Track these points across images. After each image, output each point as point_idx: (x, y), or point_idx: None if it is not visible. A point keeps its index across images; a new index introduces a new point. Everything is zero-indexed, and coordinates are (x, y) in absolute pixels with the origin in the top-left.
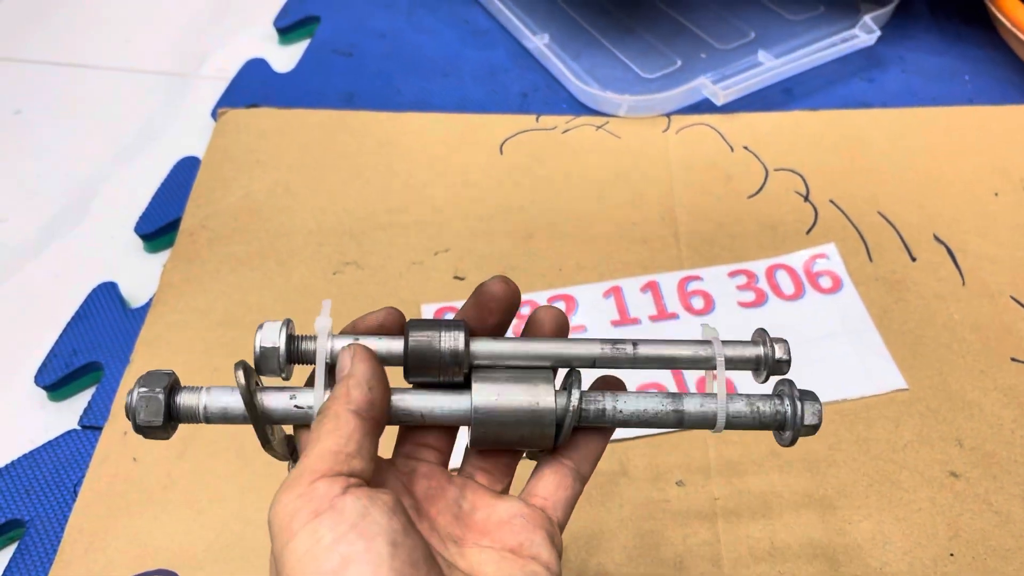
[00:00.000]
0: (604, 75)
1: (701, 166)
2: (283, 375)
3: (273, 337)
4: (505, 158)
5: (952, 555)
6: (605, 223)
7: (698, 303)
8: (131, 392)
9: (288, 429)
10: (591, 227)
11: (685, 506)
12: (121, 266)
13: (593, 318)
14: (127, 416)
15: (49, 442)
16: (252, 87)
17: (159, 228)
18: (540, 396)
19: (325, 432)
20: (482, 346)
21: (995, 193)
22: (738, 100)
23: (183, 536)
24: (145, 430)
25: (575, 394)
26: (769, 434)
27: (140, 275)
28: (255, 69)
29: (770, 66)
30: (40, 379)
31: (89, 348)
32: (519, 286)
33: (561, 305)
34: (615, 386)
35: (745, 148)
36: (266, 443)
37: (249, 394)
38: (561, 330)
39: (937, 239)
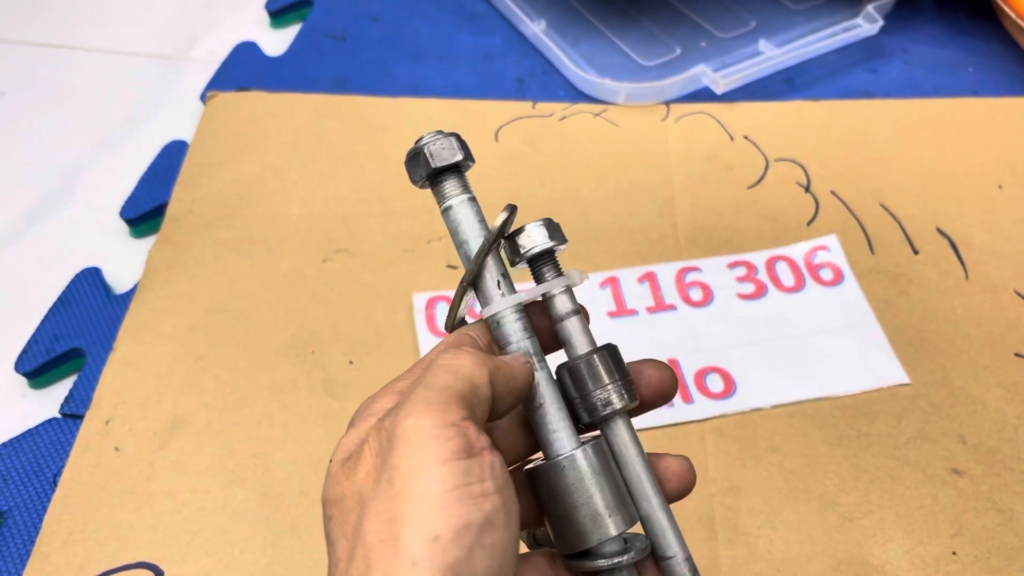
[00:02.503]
0: (602, 62)
1: (700, 155)
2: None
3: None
4: (500, 145)
5: (954, 553)
6: (602, 213)
7: (696, 295)
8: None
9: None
10: (588, 216)
11: (682, 502)
12: (106, 251)
13: (589, 309)
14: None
15: (29, 431)
16: (242, 71)
17: (145, 212)
18: None
19: (469, 365)
20: None
21: (999, 186)
22: (738, 89)
23: (165, 528)
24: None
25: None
26: (768, 428)
27: (125, 260)
28: (246, 53)
29: (771, 55)
30: (20, 366)
31: (71, 334)
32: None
33: None
34: None
35: (745, 138)
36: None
37: (499, 234)
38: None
39: (940, 232)
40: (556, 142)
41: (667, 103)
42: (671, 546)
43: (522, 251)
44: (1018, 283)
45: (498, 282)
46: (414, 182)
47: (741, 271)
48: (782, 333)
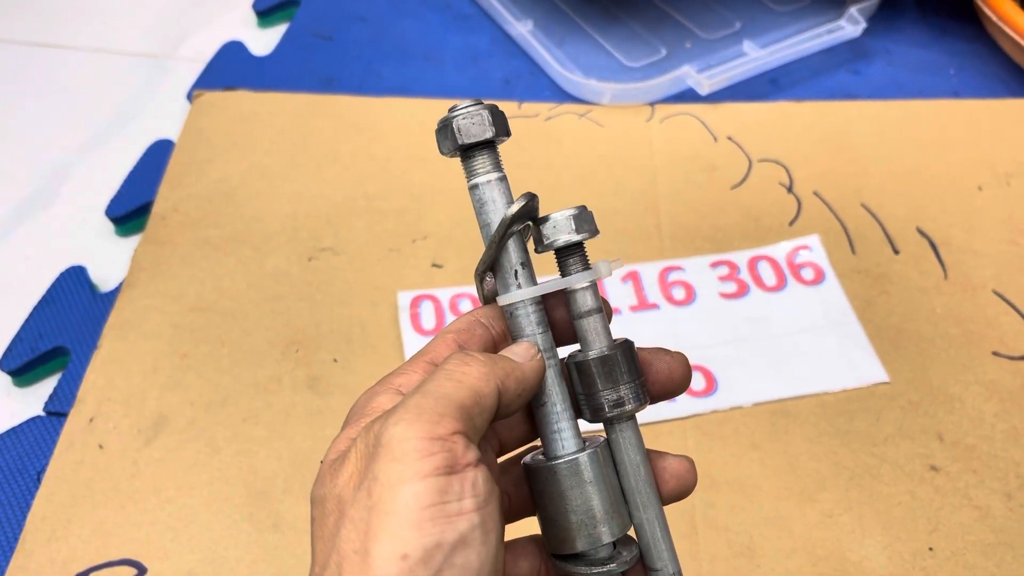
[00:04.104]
0: (588, 63)
1: (684, 156)
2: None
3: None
4: None
5: (931, 549)
6: None
7: (679, 294)
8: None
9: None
10: None
11: None
12: (91, 250)
13: None
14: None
15: (12, 428)
16: (229, 70)
17: (131, 211)
18: None
19: (476, 376)
20: None
21: (979, 187)
22: (723, 90)
23: (149, 526)
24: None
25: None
26: (749, 426)
27: (110, 259)
28: (232, 52)
29: (755, 56)
30: (5, 364)
31: (56, 332)
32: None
33: None
34: None
35: (729, 138)
36: (483, 274)
37: (511, 223)
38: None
39: (920, 232)
40: (542, 142)
41: (652, 104)
42: (661, 558)
43: (545, 241)
44: (997, 283)
45: (515, 271)
46: (442, 153)
47: (724, 270)
48: (764, 332)
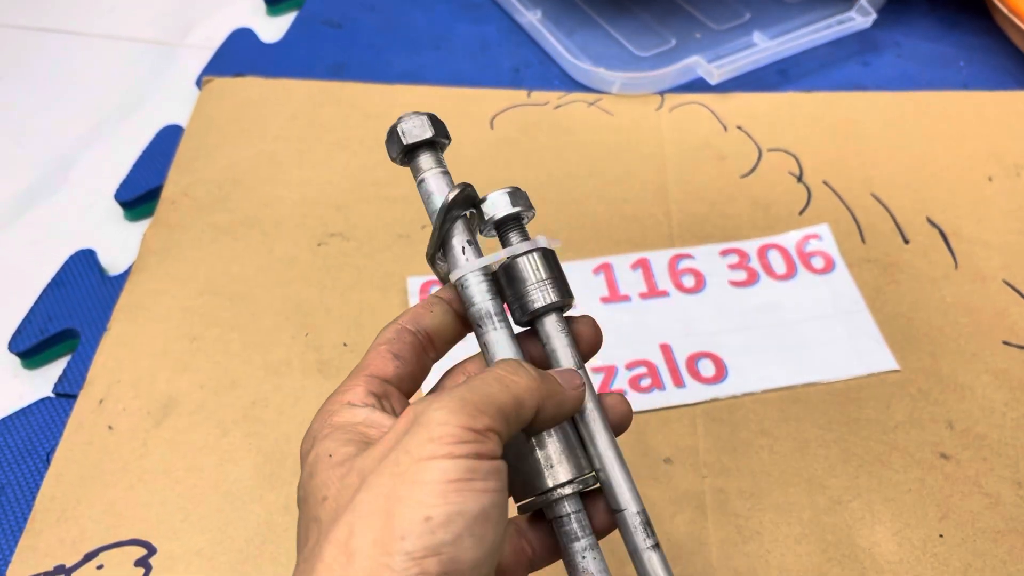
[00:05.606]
0: (597, 52)
1: (694, 145)
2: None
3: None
4: (495, 133)
5: (941, 536)
6: (596, 200)
7: (689, 281)
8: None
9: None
10: (582, 204)
11: (673, 484)
12: (100, 234)
13: (582, 295)
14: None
15: (22, 409)
16: (238, 57)
17: (140, 195)
18: None
19: (524, 387)
20: None
21: (989, 178)
22: (732, 80)
23: (159, 506)
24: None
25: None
26: (759, 413)
27: (120, 243)
28: (242, 39)
29: (765, 47)
30: (14, 346)
31: (65, 315)
32: None
33: None
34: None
35: (739, 128)
36: (433, 257)
37: (452, 202)
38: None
39: (930, 222)
40: (551, 130)
41: (661, 93)
42: (624, 498)
43: (486, 217)
44: (1006, 273)
45: (463, 248)
46: (392, 159)
47: (733, 258)
48: (773, 320)
